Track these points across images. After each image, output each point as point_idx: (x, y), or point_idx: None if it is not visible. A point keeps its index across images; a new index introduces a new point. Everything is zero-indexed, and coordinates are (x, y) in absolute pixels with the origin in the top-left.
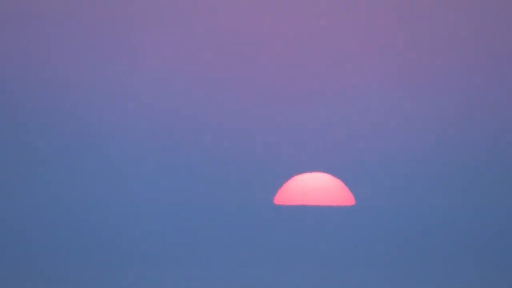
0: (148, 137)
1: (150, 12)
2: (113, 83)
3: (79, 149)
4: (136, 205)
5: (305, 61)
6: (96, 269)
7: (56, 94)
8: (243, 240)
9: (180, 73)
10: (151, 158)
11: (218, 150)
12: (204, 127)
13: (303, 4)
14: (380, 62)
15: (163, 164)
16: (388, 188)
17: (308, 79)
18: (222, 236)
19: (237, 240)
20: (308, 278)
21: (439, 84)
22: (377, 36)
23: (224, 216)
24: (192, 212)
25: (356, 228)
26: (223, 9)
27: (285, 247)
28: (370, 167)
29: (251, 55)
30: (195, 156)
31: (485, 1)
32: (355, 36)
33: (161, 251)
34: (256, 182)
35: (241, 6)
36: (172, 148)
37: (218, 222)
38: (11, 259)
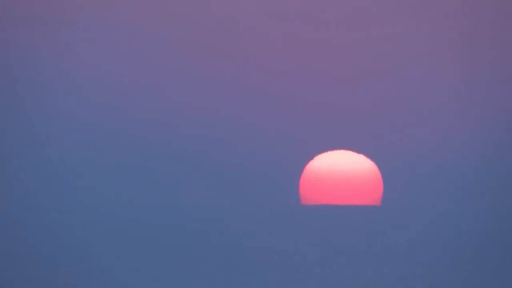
0: (165, 138)
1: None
2: (116, 83)
3: (80, 148)
4: (157, 208)
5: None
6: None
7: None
8: (269, 242)
9: (186, 67)
10: (169, 160)
11: (229, 145)
12: (213, 123)
13: None
14: (431, 47)
15: (176, 167)
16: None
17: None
18: (242, 238)
19: (261, 242)
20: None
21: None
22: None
23: (245, 216)
24: (201, 213)
25: (385, 228)
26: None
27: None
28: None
29: (266, 37)
30: (203, 153)
31: None
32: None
33: (177, 254)
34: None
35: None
36: (182, 150)
37: (236, 223)
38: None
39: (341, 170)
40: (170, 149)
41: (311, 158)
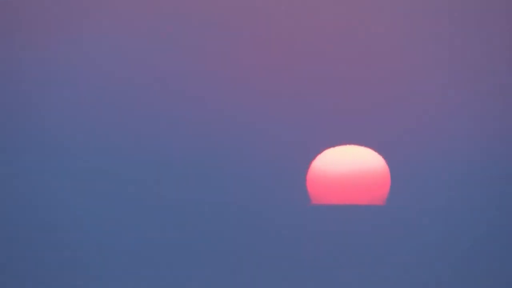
0: (166, 138)
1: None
2: (123, 80)
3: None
4: (158, 207)
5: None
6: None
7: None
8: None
9: (197, 62)
10: (170, 159)
11: (234, 144)
12: (214, 122)
13: None
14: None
15: (177, 167)
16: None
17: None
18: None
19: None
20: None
21: None
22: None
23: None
24: (207, 214)
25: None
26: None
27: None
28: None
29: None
30: (205, 153)
31: None
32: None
33: (178, 254)
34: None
35: None
36: (183, 150)
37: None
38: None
39: (349, 167)
40: (171, 149)
41: (317, 154)
